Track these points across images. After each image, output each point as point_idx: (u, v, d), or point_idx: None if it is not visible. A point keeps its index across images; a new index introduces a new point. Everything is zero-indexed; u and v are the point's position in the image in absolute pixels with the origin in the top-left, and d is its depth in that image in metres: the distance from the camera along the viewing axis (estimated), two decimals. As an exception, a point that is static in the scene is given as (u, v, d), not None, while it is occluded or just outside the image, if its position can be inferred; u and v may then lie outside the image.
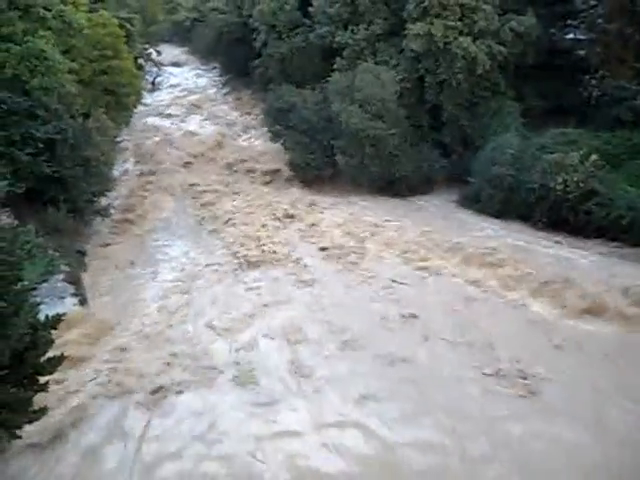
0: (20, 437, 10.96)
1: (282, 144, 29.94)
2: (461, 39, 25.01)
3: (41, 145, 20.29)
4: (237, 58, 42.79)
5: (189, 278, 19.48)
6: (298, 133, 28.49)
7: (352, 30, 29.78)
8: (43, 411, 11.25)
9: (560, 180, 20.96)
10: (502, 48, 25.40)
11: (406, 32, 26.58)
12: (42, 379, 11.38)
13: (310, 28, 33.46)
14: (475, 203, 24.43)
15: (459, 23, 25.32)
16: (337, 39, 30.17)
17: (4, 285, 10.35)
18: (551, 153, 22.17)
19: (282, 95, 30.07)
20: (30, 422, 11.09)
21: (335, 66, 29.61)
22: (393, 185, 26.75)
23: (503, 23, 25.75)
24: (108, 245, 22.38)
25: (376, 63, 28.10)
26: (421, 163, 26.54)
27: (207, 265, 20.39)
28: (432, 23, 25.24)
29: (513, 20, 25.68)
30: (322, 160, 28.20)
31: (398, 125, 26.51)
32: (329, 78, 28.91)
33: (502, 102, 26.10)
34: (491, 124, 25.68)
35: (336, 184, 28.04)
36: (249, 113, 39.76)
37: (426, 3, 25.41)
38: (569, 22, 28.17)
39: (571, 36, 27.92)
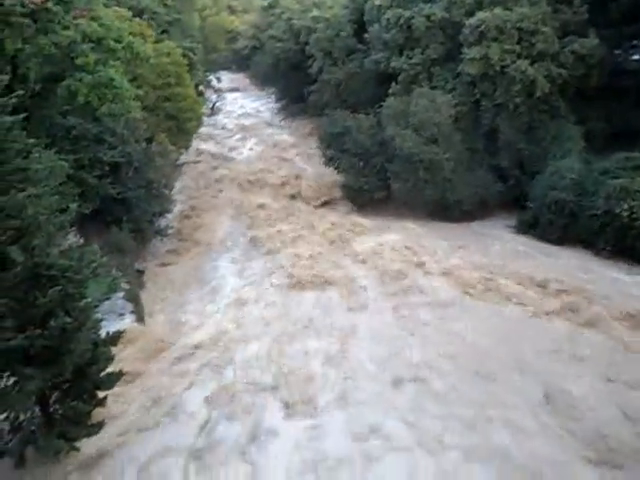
0: (78, 450, 11.31)
1: (336, 168, 30.21)
2: (519, 62, 24.64)
3: (107, 168, 21.37)
4: (293, 84, 43.91)
5: (242, 299, 19.72)
6: (352, 157, 28.70)
7: (407, 55, 29.95)
8: (100, 425, 11.62)
9: (626, 206, 20.06)
10: (562, 71, 24.83)
11: (462, 56, 26.48)
12: (101, 394, 11.79)
13: (365, 54, 33.96)
14: (533, 229, 23.71)
15: (517, 46, 25.00)
16: (392, 64, 30.40)
17: (70, 302, 10.87)
18: (615, 178, 21.31)
19: (337, 120, 30.44)
20: (88, 435, 11.46)
21: (390, 91, 29.80)
22: (447, 210, 26.37)
23: (564, 46, 25.22)
24: (165, 265, 23.07)
25: (431, 88, 28.09)
26: (476, 188, 26.06)
27: (261, 287, 20.60)
28: (489, 47, 25.02)
29: (575, 42, 25.08)
30: (375, 184, 28.22)
31: (453, 149, 26.25)
32: (383, 103, 29.07)
33: (562, 125, 25.38)
34: (550, 148, 25.00)
35: (389, 208, 27.92)
36: (303, 137, 40.55)
37: (483, 27, 25.27)
38: (635, 43, 27.22)
39: (637, 57, 26.95)
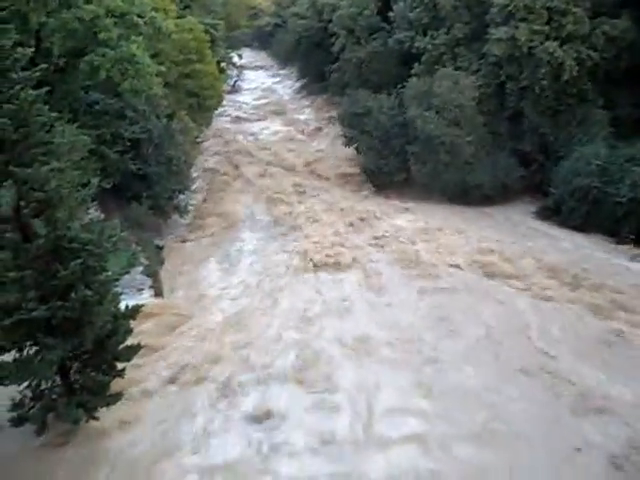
0: (98, 419, 11.61)
1: (356, 148, 30.02)
2: (547, 44, 23.96)
3: (128, 144, 21.51)
4: (314, 62, 43.44)
5: (260, 277, 19.87)
6: (372, 138, 28.42)
7: (432, 35, 29.38)
8: (119, 396, 11.89)
9: (652, 194, 19.65)
10: (592, 53, 24.10)
11: (488, 37, 25.86)
12: (119, 365, 12.04)
13: (389, 33, 33.37)
14: (555, 215, 23.36)
15: (546, 27, 24.28)
16: (416, 44, 29.87)
17: (90, 275, 11.05)
18: (642, 165, 20.83)
19: (358, 100, 30.10)
20: (107, 406, 11.74)
21: (413, 71, 29.33)
22: (467, 194, 26.05)
23: (594, 27, 24.42)
24: (184, 241, 23.29)
25: (455, 69, 27.54)
26: (498, 172, 25.64)
27: (277, 265, 20.70)
28: (517, 27, 24.37)
29: (606, 24, 24.30)
30: (395, 166, 27.98)
31: (475, 132, 25.82)
32: (406, 83, 28.65)
33: (589, 110, 24.71)
34: (576, 133, 24.42)
35: (408, 190, 27.69)
36: (324, 117, 40.22)
37: (511, 7, 24.59)
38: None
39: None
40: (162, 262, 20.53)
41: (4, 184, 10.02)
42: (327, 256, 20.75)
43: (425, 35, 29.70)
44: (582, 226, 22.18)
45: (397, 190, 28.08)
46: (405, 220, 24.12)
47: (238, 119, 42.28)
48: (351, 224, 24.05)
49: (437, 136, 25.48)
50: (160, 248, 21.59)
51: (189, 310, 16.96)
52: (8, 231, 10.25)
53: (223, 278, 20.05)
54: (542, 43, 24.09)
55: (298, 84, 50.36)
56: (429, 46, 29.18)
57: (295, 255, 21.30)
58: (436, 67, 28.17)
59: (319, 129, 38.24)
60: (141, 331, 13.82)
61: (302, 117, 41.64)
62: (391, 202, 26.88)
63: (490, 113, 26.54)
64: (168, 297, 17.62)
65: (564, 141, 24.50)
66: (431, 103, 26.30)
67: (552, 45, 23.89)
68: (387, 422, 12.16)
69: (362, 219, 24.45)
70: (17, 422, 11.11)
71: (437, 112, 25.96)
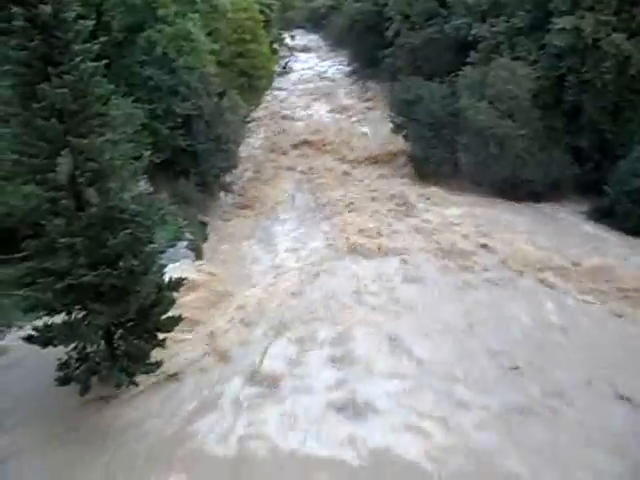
0: (137, 385, 12.02)
1: (404, 136, 29.60)
2: (614, 35, 22.82)
3: (179, 120, 21.89)
4: (367, 47, 42.88)
5: (299, 258, 20.02)
6: (421, 126, 27.92)
7: (490, 22, 28.44)
8: (158, 365, 12.26)
9: None
10: (662, 48, 22.81)
11: (550, 26, 24.84)
12: (161, 335, 12.39)
13: (445, 19, 32.54)
14: (608, 217, 22.39)
15: (614, 18, 23.11)
16: (473, 31, 28.99)
17: (138, 245, 11.37)
18: None
19: (409, 87, 29.59)
20: (146, 373, 12.14)
21: (468, 60, 28.54)
22: (516, 189, 25.27)
23: (668, 19, 23.09)
24: (228, 219, 23.66)
25: (513, 59, 26.57)
26: (551, 168, 24.76)
27: (317, 248, 20.79)
28: (582, 17, 23.29)
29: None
30: (443, 156, 27.43)
31: (529, 126, 24.96)
32: (460, 72, 27.94)
33: (653, 108, 23.50)
34: (637, 131, 23.29)
35: (454, 182, 27.10)
36: (373, 103, 39.78)
37: (578, -5, 23.53)
38: None
39: None
40: (205, 238, 20.94)
41: (61, 153, 10.36)
42: (367, 241, 20.70)
43: (483, 22, 28.79)
44: (636, 230, 21.24)
45: (443, 180, 27.55)
46: (449, 211, 23.68)
47: (287, 101, 42.35)
48: (393, 211, 23.86)
49: (489, 127, 24.79)
50: (204, 224, 22.00)
51: (230, 286, 17.25)
52: (63, 199, 10.61)
53: (264, 257, 20.35)
54: (608, 35, 22.95)
55: (349, 68, 49.88)
56: (487, 34, 28.25)
57: (335, 239, 21.32)
58: (493, 56, 27.26)
59: (368, 115, 37.84)
60: (182, 304, 14.15)
61: (351, 102, 41.27)
62: (436, 192, 26.41)
63: (546, 106, 25.55)
64: (210, 272, 17.94)
65: (624, 139, 23.41)
66: (485, 93, 25.57)
67: (619, 37, 22.74)
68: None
69: (405, 207, 24.20)
70: (63, 381, 11.62)
71: (490, 103, 25.23)
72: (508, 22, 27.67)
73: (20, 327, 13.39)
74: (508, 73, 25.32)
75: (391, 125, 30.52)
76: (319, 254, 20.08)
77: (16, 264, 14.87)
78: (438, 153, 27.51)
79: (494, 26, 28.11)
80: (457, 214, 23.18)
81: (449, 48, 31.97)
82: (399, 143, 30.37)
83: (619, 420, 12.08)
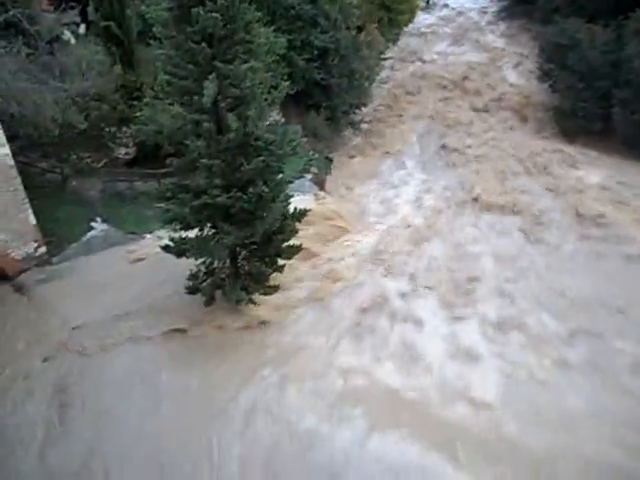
0: (255, 303, 12.85)
1: (550, 85, 27.03)
2: None
3: (315, 52, 21.81)
4: (521, -18, 39.00)
5: (420, 205, 19.64)
6: (573, 75, 25.20)
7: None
8: (276, 288, 12.97)
9: None
10: None
11: None
12: (280, 262, 13.00)
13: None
14: None
15: None
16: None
17: (269, 173, 11.81)
18: None
19: (565, 29, 26.57)
20: (265, 294, 12.91)
21: (643, 0, 24.89)
22: (679, 156, 22.30)
23: None
24: (353, 157, 23.63)
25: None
26: None
27: (439, 197, 20.20)
28: None
29: None
30: (594, 111, 24.67)
31: None
32: (631, 14, 24.48)
33: None
34: None
35: (604, 142, 24.40)
36: (520, 46, 36.49)
37: None
38: None
39: None
40: (329, 173, 21.19)
41: (208, 77, 10.81)
42: (493, 197, 19.66)
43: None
44: None
45: (589, 139, 24.97)
46: (592, 173, 21.52)
47: (427, 39, 40.14)
48: (526, 167, 22.24)
49: (656, 82, 21.82)
50: (329, 160, 22.20)
51: (348, 224, 17.47)
52: (206, 122, 11.18)
53: (385, 200, 20.20)
54: None
55: (497, 6, 45.84)
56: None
57: (459, 191, 20.52)
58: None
59: (512, 59, 34.90)
60: (301, 235, 14.64)
61: (496, 44, 38.14)
62: (579, 151, 24.06)
63: None
64: (331, 207, 18.24)
65: None
66: (658, 41, 22.35)
67: None
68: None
69: (540, 164, 22.38)
70: (191, 290, 12.75)
71: (664, 52, 22.04)
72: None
73: (159, 237, 14.71)
74: (691, 19, 21.80)
75: (538, 72, 27.97)
76: (442, 204, 19.50)
77: (159, 179, 16.30)
78: (588, 107, 24.81)
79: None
80: (601, 178, 21.01)
81: (622, -15, 28.02)
82: (543, 93, 27.85)
83: None
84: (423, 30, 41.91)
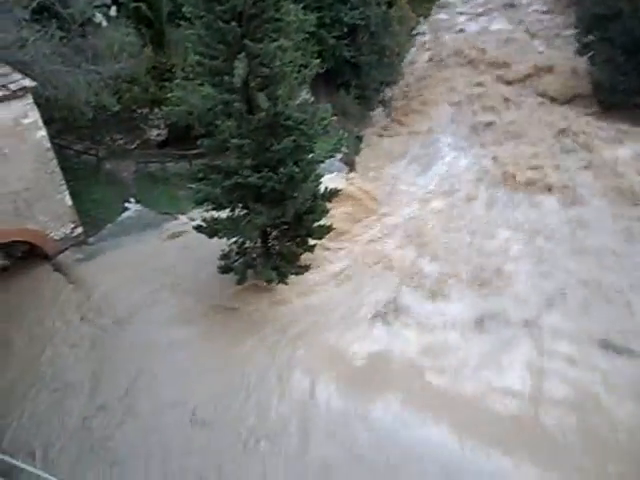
0: (287, 283, 12.94)
1: (589, 58, 25.96)
2: None
3: (345, 30, 21.46)
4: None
5: (450, 185, 19.34)
6: (614, 47, 24.08)
7: None
8: (307, 268, 13.05)
9: None
10: None
11: None
12: (311, 242, 13.04)
13: None
14: None
15: None
16: None
17: (299, 154, 11.79)
18: None
19: (605, -1, 25.43)
20: (295, 274, 12.99)
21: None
22: None
23: None
24: (382, 136, 23.33)
25: None
26: None
27: (471, 177, 19.83)
28: None
29: None
30: (636, 84, 23.66)
31: None
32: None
33: None
34: None
35: (643, 117, 23.53)
36: (558, 17, 35.09)
37: None
38: None
39: None
40: (359, 152, 21.00)
41: (238, 57, 10.76)
42: (526, 174, 19.24)
43: None
44: None
45: (630, 115, 23.94)
46: (632, 151, 20.81)
47: (459, 12, 38.98)
48: (561, 144, 21.63)
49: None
50: (359, 138, 21.99)
51: (378, 204, 17.38)
52: (236, 101, 11.18)
53: (414, 179, 19.99)
54: None
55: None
56: None
57: (491, 168, 20.12)
58: None
59: (550, 32, 33.62)
60: (331, 215, 14.60)
61: (532, 17, 36.82)
62: (618, 127, 23.17)
63: None
64: (360, 187, 18.12)
65: None
66: None
67: None
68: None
69: (575, 141, 21.77)
70: (224, 270, 12.91)
71: None
72: None
73: (191, 218, 14.89)
74: None
75: (576, 44, 26.90)
76: (474, 184, 19.17)
77: (190, 160, 16.42)
78: (629, 81, 23.73)
79: None
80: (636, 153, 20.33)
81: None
82: (581, 66, 26.82)
83: None
84: (458, 2, 40.69)
